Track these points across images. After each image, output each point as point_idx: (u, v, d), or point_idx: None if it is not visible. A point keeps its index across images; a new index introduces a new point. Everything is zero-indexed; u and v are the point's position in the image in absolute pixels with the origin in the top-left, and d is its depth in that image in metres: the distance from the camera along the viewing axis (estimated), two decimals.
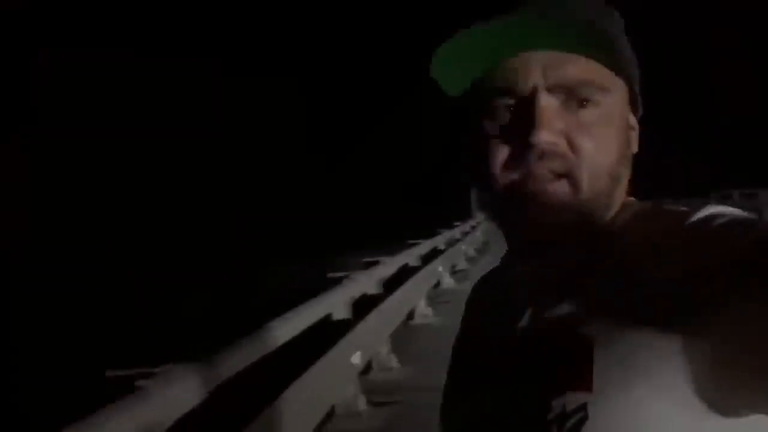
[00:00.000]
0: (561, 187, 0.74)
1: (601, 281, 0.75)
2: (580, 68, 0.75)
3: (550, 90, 0.75)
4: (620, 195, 0.81)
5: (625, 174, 0.81)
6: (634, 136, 0.82)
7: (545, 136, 0.73)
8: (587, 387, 0.70)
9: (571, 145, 0.75)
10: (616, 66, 0.77)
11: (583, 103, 0.76)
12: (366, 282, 7.78)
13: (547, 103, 0.74)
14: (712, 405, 0.66)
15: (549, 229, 0.75)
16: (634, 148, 0.82)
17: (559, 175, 0.74)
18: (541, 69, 0.75)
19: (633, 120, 0.83)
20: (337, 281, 6.81)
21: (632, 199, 0.83)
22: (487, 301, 0.91)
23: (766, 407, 0.65)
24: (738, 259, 0.65)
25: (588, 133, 0.75)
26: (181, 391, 2.73)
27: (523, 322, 0.80)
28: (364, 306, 6.73)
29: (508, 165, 0.76)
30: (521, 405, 0.75)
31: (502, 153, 0.76)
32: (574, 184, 0.75)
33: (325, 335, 5.21)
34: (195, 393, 2.79)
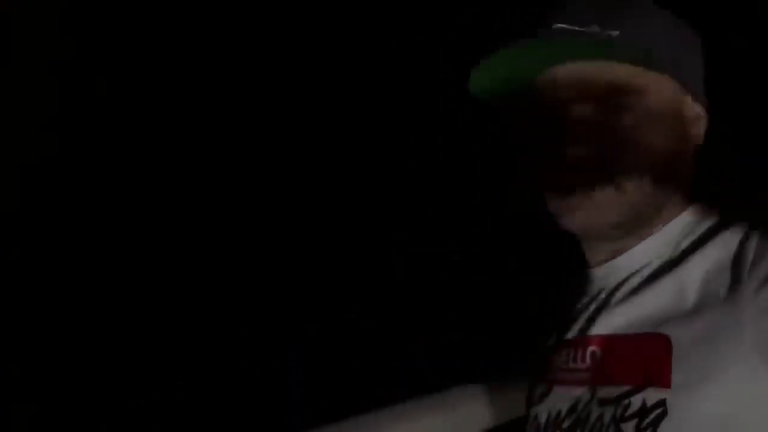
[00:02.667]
0: (606, 194, 0.76)
1: (672, 281, 0.76)
2: (609, 75, 0.77)
3: (581, 101, 0.76)
4: (676, 191, 0.81)
5: (680, 170, 0.81)
6: (696, 126, 0.82)
7: (578, 149, 0.74)
8: (666, 383, 0.72)
9: (610, 151, 0.76)
10: (652, 67, 0.78)
11: (616, 108, 0.77)
12: None
13: (579, 114, 0.76)
14: None
15: (597, 232, 0.77)
16: (696, 140, 0.82)
17: (602, 182, 0.76)
18: (572, 81, 0.76)
19: (692, 110, 0.82)
20: None
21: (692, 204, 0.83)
22: (564, 301, 0.93)
23: None
24: None
25: (624, 137, 0.76)
26: None
27: (597, 322, 0.82)
28: None
29: (552, 177, 0.78)
30: (602, 402, 0.76)
31: (545, 166, 0.78)
32: (618, 188, 0.76)
33: None
34: None
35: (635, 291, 0.81)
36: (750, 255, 0.72)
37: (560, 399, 0.85)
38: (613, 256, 0.84)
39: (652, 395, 0.75)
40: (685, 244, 0.80)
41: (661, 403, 0.74)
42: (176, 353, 3.11)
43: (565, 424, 0.84)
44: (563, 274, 0.94)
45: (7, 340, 2.93)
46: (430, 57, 3.46)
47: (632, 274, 0.82)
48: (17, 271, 3.10)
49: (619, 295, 0.83)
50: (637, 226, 0.81)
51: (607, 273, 0.85)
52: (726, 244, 0.76)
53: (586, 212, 0.79)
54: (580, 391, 0.83)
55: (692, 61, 0.83)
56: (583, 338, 0.85)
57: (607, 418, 0.78)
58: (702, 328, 0.74)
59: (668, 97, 0.81)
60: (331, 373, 2.88)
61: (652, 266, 0.81)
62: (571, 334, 0.87)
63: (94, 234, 3.27)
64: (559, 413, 0.86)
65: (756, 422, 0.72)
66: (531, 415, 0.92)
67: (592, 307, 0.85)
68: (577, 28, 0.78)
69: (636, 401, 0.76)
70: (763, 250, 0.72)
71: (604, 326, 0.83)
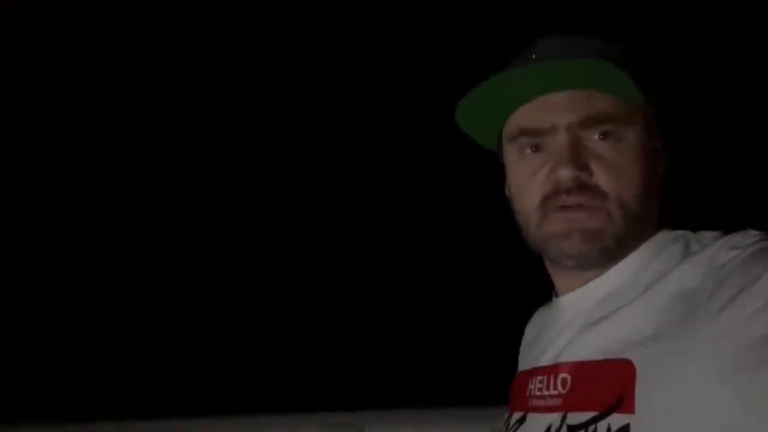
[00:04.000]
0: (595, 218, 0.76)
1: (637, 307, 0.76)
2: (598, 104, 0.77)
3: (571, 128, 0.77)
4: (652, 220, 0.82)
5: (654, 200, 0.82)
6: (660, 159, 0.83)
7: (569, 173, 0.75)
8: (630, 408, 0.71)
9: (599, 178, 0.76)
10: (636, 97, 0.78)
11: (604, 137, 0.77)
12: None
13: (569, 140, 0.76)
14: (749, 425, 0.67)
15: (588, 258, 0.77)
16: (663, 170, 0.83)
17: (592, 208, 0.76)
18: (561, 108, 0.77)
19: (659, 143, 0.83)
20: None
21: (664, 230, 0.84)
22: (537, 330, 0.93)
23: None
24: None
25: (613, 166, 0.77)
26: None
27: (567, 348, 0.82)
28: None
29: (543, 202, 0.78)
30: (571, 428, 0.77)
31: (535, 191, 0.78)
32: (608, 214, 0.76)
33: None
34: None
35: (603, 318, 0.81)
36: (711, 281, 0.72)
37: (534, 425, 0.85)
38: (584, 283, 0.85)
39: (616, 421, 0.72)
40: (651, 269, 0.80)
41: (625, 429, 0.71)
42: (175, 353, 3.11)
43: None
44: (534, 301, 0.95)
45: (7, 340, 2.94)
46: (430, 58, 3.46)
47: (601, 301, 0.83)
48: (17, 271, 3.10)
49: (588, 321, 0.83)
50: (615, 253, 0.82)
51: (578, 299, 0.85)
52: (691, 269, 0.76)
53: (578, 239, 0.79)
54: (552, 418, 0.83)
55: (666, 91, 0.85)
56: (555, 365, 0.84)
57: None
58: (664, 352, 0.71)
59: (648, 128, 0.82)
60: (330, 372, 2.90)
61: (618, 293, 0.82)
62: (544, 361, 0.87)
63: (93, 234, 3.27)
64: None
65: None
66: None
67: (564, 333, 0.85)
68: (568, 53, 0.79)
69: (601, 427, 0.73)
70: (725, 277, 0.72)
71: (573, 353, 0.83)
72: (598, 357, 0.79)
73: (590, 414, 0.76)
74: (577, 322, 0.84)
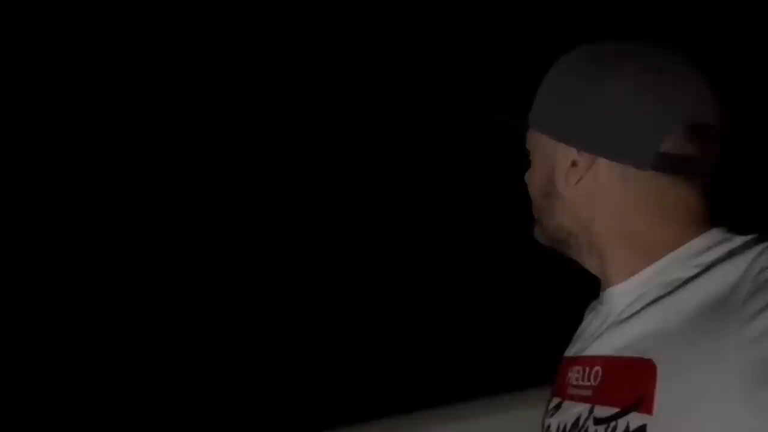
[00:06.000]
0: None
1: (667, 306, 0.77)
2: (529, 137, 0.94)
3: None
4: (659, 232, 0.86)
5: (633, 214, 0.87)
6: (561, 172, 0.89)
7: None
8: (648, 409, 0.73)
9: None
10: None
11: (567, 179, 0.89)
12: None
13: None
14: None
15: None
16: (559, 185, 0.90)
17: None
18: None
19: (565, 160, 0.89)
20: None
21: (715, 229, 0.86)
22: (589, 318, 0.97)
23: None
24: None
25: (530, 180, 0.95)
26: None
27: (601, 341, 0.85)
28: None
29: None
30: (596, 421, 0.78)
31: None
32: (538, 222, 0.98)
33: None
34: None
35: (634, 314, 0.83)
36: (745, 289, 0.73)
37: (568, 413, 0.88)
38: (628, 277, 0.86)
39: (635, 420, 0.75)
40: (685, 272, 0.81)
41: (642, 429, 0.74)
42: (175, 353, 3.11)
43: None
44: (582, 291, 0.98)
45: (6, 340, 2.93)
46: (432, 61, 3.46)
47: (638, 298, 0.83)
48: (17, 270, 3.10)
49: (622, 316, 0.84)
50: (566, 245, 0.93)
51: (619, 293, 0.86)
52: (725, 276, 0.76)
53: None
54: (582, 408, 0.85)
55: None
56: (591, 357, 0.87)
57: None
58: (688, 357, 0.73)
59: (552, 150, 0.91)
60: (334, 374, 2.90)
61: (652, 291, 0.82)
62: (585, 351, 0.89)
63: (93, 233, 3.26)
64: (565, 427, 0.87)
65: None
66: (545, 425, 0.94)
67: (603, 326, 0.87)
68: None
69: (621, 424, 0.76)
70: (759, 285, 0.72)
71: (607, 347, 0.85)
72: (627, 354, 0.79)
73: (614, 410, 0.78)
74: (612, 317, 0.85)
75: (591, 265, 0.91)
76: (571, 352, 0.96)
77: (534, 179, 0.93)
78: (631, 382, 0.77)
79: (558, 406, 0.91)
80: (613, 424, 0.77)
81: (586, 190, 0.86)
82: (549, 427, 0.91)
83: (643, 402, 0.75)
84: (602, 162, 0.85)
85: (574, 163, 0.87)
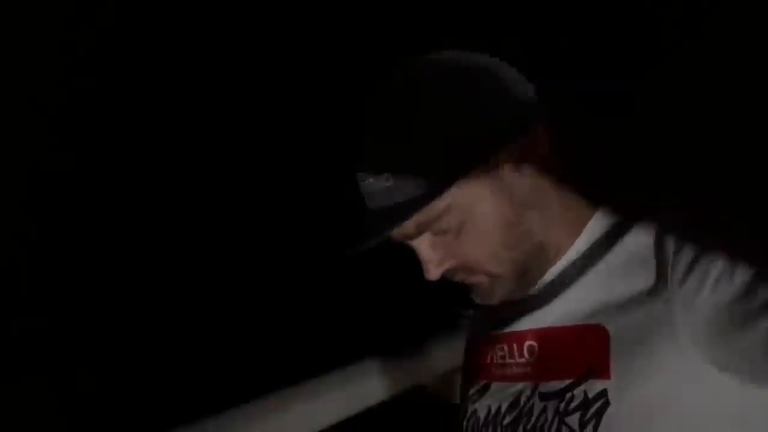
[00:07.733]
0: (483, 280, 0.79)
1: (601, 274, 0.78)
2: (427, 215, 0.78)
3: (419, 233, 0.80)
4: (547, 238, 0.83)
5: (528, 227, 0.82)
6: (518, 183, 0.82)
7: (433, 272, 0.81)
8: (606, 374, 0.73)
9: (461, 257, 0.80)
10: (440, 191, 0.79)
11: (442, 230, 0.79)
12: None
13: (421, 245, 0.80)
14: (724, 383, 0.71)
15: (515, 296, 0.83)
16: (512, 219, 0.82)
17: (475, 275, 0.81)
18: (402, 235, 0.80)
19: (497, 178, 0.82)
20: None
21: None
22: (488, 312, 0.93)
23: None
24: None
25: (462, 243, 0.80)
26: None
27: (531, 315, 0.83)
28: None
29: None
30: (543, 396, 0.77)
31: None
32: (489, 274, 0.81)
33: None
34: None
35: (565, 285, 0.82)
36: (671, 245, 0.74)
37: (499, 394, 0.86)
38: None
39: (593, 386, 0.75)
40: (601, 241, 0.82)
41: (603, 394, 0.74)
42: (174, 353, 3.11)
43: (506, 420, 0.83)
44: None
45: (6, 340, 2.94)
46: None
47: (560, 273, 0.83)
48: (18, 270, 3.10)
49: (550, 290, 0.84)
50: (530, 282, 0.84)
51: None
52: (642, 236, 0.78)
53: (480, 296, 0.84)
54: (520, 386, 0.83)
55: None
56: (517, 333, 0.85)
57: (550, 412, 0.78)
58: (635, 320, 0.75)
59: (475, 192, 0.81)
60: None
61: (576, 263, 0.82)
62: (509, 328, 0.87)
63: (92, 234, 3.27)
64: (499, 409, 0.85)
65: (696, 409, 0.72)
66: (469, 410, 0.90)
67: (524, 303, 0.86)
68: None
69: (578, 394, 0.76)
70: (683, 241, 0.73)
71: (539, 320, 0.84)
72: (567, 323, 0.79)
73: (565, 382, 0.77)
74: (538, 291, 0.85)
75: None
76: (484, 332, 0.92)
77: (482, 237, 0.81)
78: (580, 350, 0.77)
79: (485, 389, 0.88)
80: (568, 396, 0.76)
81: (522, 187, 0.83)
82: (475, 412, 0.88)
83: (597, 368, 0.75)
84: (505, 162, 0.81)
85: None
